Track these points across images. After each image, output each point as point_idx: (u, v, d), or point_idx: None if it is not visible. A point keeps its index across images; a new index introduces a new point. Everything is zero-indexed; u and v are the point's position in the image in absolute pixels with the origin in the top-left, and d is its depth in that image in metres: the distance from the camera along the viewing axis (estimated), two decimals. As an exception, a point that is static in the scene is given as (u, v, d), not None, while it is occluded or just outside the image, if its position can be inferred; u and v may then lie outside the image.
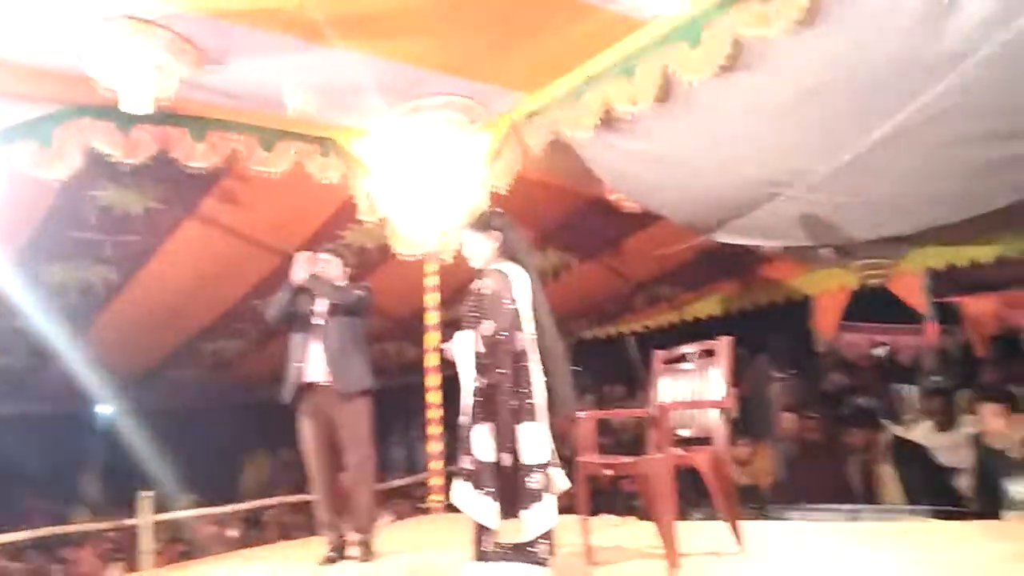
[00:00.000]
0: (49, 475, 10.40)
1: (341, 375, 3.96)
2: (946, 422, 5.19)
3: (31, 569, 7.15)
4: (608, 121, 4.31)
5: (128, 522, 6.28)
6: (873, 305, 9.00)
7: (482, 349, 2.98)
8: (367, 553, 3.96)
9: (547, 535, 2.94)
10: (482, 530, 2.94)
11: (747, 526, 3.41)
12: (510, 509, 2.89)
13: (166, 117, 4.10)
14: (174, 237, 5.63)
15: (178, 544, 7.19)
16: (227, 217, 5.48)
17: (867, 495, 4.79)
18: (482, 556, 2.96)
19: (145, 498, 5.77)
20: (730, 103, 4.07)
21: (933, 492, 4.42)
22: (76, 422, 11.66)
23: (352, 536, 4.06)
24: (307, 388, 4.01)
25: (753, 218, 5.41)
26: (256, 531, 8.09)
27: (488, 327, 2.97)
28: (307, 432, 4.03)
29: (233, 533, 7.64)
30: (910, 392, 6.60)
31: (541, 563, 2.91)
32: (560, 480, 3.01)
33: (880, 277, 7.61)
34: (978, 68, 3.45)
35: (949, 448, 4.97)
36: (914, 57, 3.50)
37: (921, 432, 5.32)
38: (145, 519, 5.71)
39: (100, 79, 3.45)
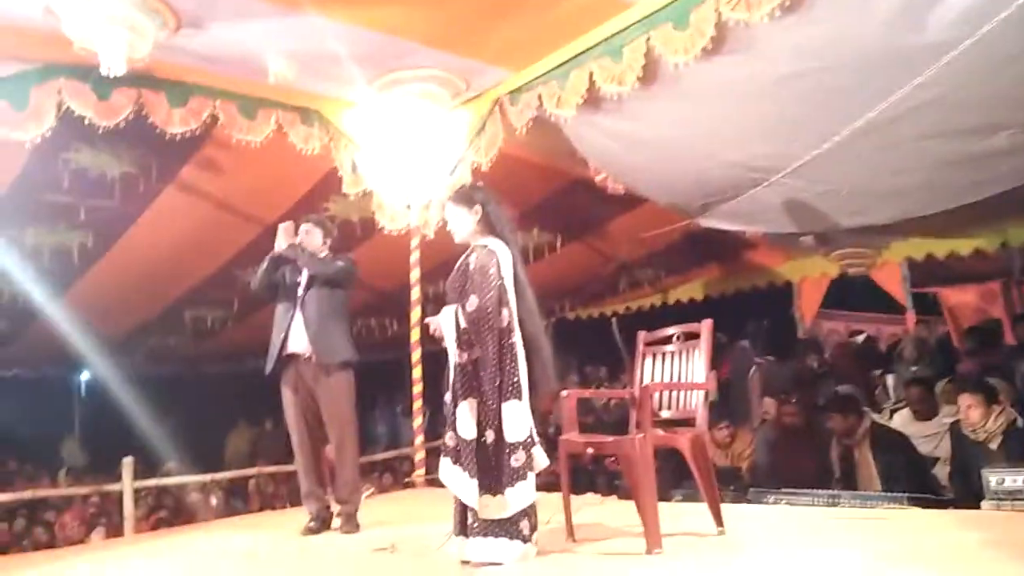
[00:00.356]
0: (31, 438, 10.34)
1: (322, 346, 3.94)
2: (925, 411, 5.23)
3: (15, 532, 7.10)
4: (593, 101, 4.29)
5: (110, 487, 6.24)
6: (853, 293, 9.10)
7: (464, 325, 2.96)
8: (350, 525, 3.97)
9: (529, 511, 2.97)
10: (465, 505, 2.95)
11: (728, 508, 3.43)
12: (492, 486, 2.91)
13: (143, 80, 4.02)
14: (153, 204, 5.53)
15: (160, 511, 7.16)
16: (208, 185, 5.40)
17: (846, 480, 4.83)
18: (465, 531, 2.97)
19: (127, 464, 5.73)
20: (714, 87, 4.07)
21: (912, 480, 4.45)
22: (57, 386, 11.61)
23: (335, 508, 4.08)
24: (289, 360, 3.98)
25: (736, 203, 5.43)
26: (238, 500, 8.10)
27: (473, 302, 2.95)
28: (289, 404, 4.03)
29: (215, 501, 7.62)
30: (889, 380, 6.67)
31: (524, 539, 2.93)
32: (540, 458, 3.02)
33: (861, 266, 7.67)
34: (958, 61, 3.45)
35: (928, 437, 5.03)
36: (895, 48, 3.51)
37: (900, 420, 5.37)
38: (127, 485, 5.68)
39: (74, 37, 3.35)
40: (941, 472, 4.85)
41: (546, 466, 3.06)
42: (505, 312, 2.98)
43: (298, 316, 3.97)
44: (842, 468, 4.92)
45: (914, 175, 4.64)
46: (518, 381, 2.97)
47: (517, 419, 2.93)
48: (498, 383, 2.93)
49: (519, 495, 2.90)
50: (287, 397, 4.03)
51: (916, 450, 4.82)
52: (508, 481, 2.90)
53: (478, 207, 3.12)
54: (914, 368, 6.52)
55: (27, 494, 6.89)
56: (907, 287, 8.15)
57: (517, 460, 2.91)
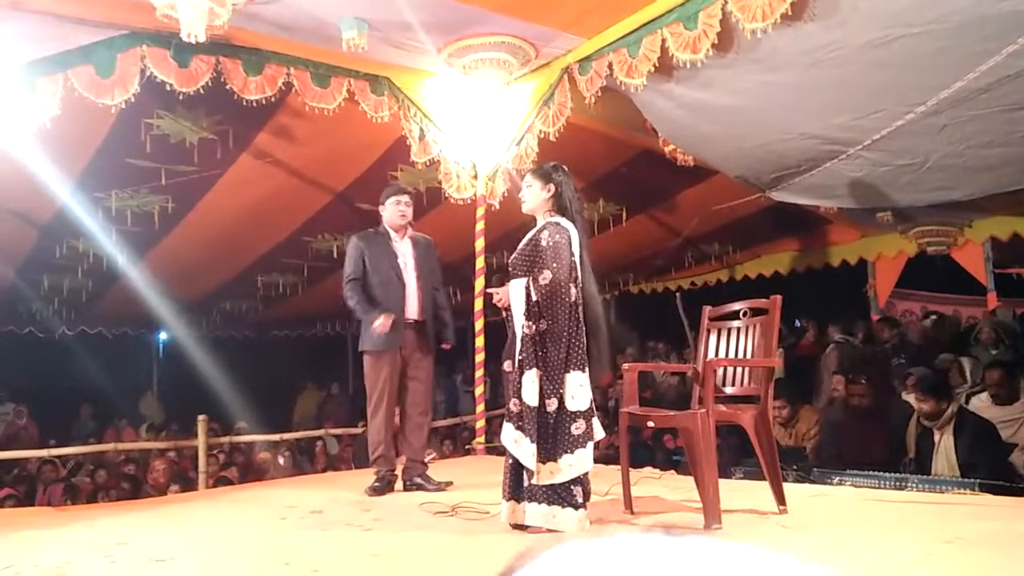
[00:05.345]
0: (113, 394, 10.83)
1: (430, 332, 4.24)
2: (1005, 395, 5.04)
3: (97, 483, 7.48)
4: (665, 69, 4.20)
5: (186, 443, 6.52)
6: (932, 273, 8.76)
7: (536, 298, 3.06)
8: (433, 482, 4.16)
9: (582, 479, 3.04)
10: (518, 471, 3.05)
11: (790, 488, 3.38)
12: (548, 453, 3.01)
13: (221, 47, 4.11)
14: (229, 170, 5.68)
15: (230, 468, 7.45)
16: (281, 152, 5.51)
17: (919, 463, 4.69)
18: (516, 496, 3.07)
19: (202, 421, 5.98)
20: (793, 55, 3.93)
21: (985, 465, 4.29)
22: (137, 345, 12.12)
23: (399, 471, 4.26)
24: (393, 330, 4.12)
25: (810, 177, 5.27)
26: (305, 460, 8.37)
27: (547, 276, 3.04)
28: (387, 369, 4.14)
29: (283, 461, 7.90)
30: (966, 363, 6.42)
31: (576, 506, 3.00)
32: (598, 429, 3.10)
33: (942, 244, 7.39)
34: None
35: (1008, 422, 4.84)
36: (987, 12, 3.32)
37: (977, 404, 5.18)
38: (202, 442, 5.93)
39: (158, 3, 3.44)
40: (1018, 459, 4.67)
41: (602, 437, 3.15)
42: (574, 288, 3.09)
43: (411, 292, 4.18)
44: (918, 450, 4.76)
45: (1004, 149, 4.42)
46: (582, 353, 3.07)
47: (580, 389, 3.04)
48: (564, 355, 3.03)
49: (577, 462, 2.99)
50: (385, 363, 4.14)
51: (998, 436, 4.64)
52: (567, 448, 3.00)
53: (552, 186, 3.23)
54: (994, 351, 6.26)
55: (110, 447, 7.27)
56: (990, 267, 7.80)
57: (578, 428, 3.01)
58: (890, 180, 5.11)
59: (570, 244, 3.11)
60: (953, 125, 4.24)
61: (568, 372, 3.03)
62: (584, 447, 3.00)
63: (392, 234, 4.28)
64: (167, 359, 12.44)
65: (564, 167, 3.32)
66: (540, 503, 3.01)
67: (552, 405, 3.01)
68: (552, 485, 2.99)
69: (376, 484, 4.13)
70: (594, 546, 0.41)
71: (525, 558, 0.42)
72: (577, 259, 3.13)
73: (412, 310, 4.18)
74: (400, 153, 5.30)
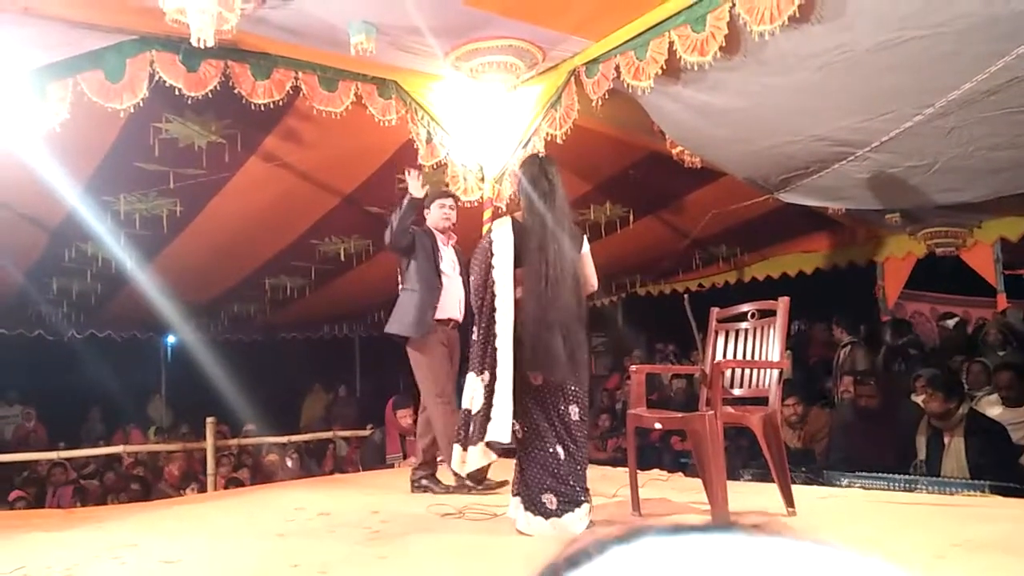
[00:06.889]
0: (122, 397, 10.85)
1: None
2: (1015, 397, 5.01)
3: (106, 485, 7.52)
4: (673, 72, 4.20)
5: (195, 445, 6.55)
6: (941, 274, 8.71)
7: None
8: (442, 484, 4.21)
9: (555, 488, 3.02)
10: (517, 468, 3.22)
11: (800, 490, 3.37)
12: (463, 443, 3.19)
13: (229, 52, 4.13)
14: (238, 173, 5.70)
15: (239, 470, 7.47)
16: (289, 155, 5.53)
17: (929, 465, 4.66)
18: (515, 491, 3.22)
19: (210, 424, 6.00)
20: (801, 57, 3.92)
21: (995, 467, 4.27)
22: (145, 348, 12.14)
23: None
24: (443, 323, 4.24)
25: (819, 178, 5.26)
26: (313, 462, 8.39)
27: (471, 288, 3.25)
28: (446, 360, 4.23)
29: (291, 463, 7.92)
30: (976, 365, 6.38)
31: (547, 514, 3.04)
32: (494, 431, 3.02)
33: (951, 246, 7.35)
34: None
35: (1017, 424, 4.82)
36: (996, 14, 3.31)
37: (986, 406, 5.16)
38: (210, 444, 5.96)
39: (167, 8, 3.46)
40: (1030, 462, 4.64)
41: (504, 441, 3.04)
42: (489, 293, 3.14)
43: (455, 289, 4.27)
44: (928, 452, 4.74)
45: (1012, 152, 4.41)
46: (484, 356, 3.11)
47: (467, 389, 3.16)
48: (472, 357, 3.17)
49: (469, 458, 3.14)
50: (443, 355, 4.21)
51: (1009, 439, 4.61)
52: (467, 444, 3.13)
53: (515, 182, 3.36)
54: (1001, 352, 6.23)
55: (119, 449, 7.31)
56: (999, 268, 7.76)
57: (468, 428, 3.13)
58: (899, 182, 5.09)
59: (490, 246, 3.15)
60: (961, 127, 4.23)
61: (468, 374, 3.18)
62: (475, 445, 3.09)
63: (438, 236, 4.36)
64: (175, 362, 12.47)
65: (541, 157, 3.33)
66: (521, 502, 3.11)
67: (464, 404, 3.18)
68: (528, 491, 3.05)
69: (470, 482, 4.06)
70: (667, 544, 0.39)
71: (575, 554, 0.41)
72: (505, 258, 3.09)
73: (460, 311, 4.26)
74: (407, 156, 5.31)
